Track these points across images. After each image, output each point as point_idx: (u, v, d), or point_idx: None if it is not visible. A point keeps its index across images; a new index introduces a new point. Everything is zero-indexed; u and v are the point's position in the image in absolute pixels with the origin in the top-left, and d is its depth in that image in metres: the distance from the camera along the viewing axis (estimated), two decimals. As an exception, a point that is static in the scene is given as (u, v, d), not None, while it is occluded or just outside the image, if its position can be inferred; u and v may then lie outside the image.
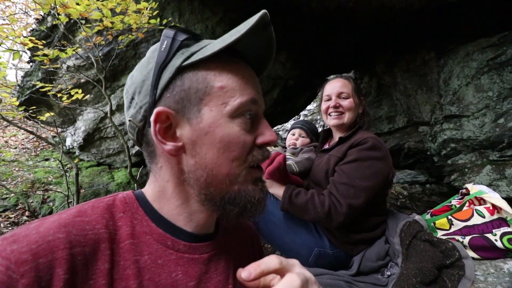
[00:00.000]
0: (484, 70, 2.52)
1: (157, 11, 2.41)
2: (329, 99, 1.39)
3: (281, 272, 0.37)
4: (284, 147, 1.69)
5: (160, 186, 0.48)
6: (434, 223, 1.29)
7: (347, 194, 1.16)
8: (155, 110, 0.42)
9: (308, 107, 5.70)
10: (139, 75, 0.46)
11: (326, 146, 1.48)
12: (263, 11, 0.41)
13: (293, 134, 1.67)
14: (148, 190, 0.50)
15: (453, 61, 2.76)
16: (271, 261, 0.37)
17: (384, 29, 3.07)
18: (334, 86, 1.39)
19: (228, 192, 0.45)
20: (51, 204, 2.76)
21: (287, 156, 1.47)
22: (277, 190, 1.29)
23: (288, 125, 5.67)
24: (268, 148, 0.50)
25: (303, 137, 1.64)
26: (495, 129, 2.43)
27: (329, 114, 1.40)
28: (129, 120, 0.47)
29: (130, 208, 0.46)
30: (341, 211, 1.14)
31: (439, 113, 2.91)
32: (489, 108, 2.48)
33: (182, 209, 0.48)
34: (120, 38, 2.41)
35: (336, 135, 1.45)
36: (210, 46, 0.43)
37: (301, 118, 5.61)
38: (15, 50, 1.77)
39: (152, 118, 0.42)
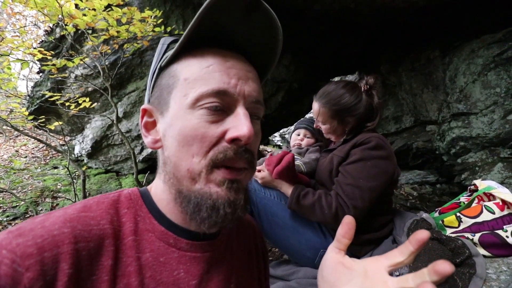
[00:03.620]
0: (491, 66, 2.48)
1: (162, 19, 2.46)
2: None
3: None
4: (288, 147, 1.68)
5: (157, 183, 0.50)
6: (443, 221, 1.26)
7: (352, 195, 1.14)
8: (141, 107, 0.48)
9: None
10: (149, 82, 0.51)
11: (331, 146, 1.48)
12: None
13: (298, 135, 1.65)
14: (153, 187, 0.51)
15: (459, 59, 2.72)
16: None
17: (387, 29, 3.06)
18: (312, 109, 1.40)
19: (190, 190, 0.42)
20: (60, 211, 2.79)
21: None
22: (286, 189, 1.29)
23: (293, 127, 5.64)
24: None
25: (308, 137, 1.62)
26: (505, 126, 2.38)
27: None
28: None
29: (134, 205, 0.46)
30: (349, 213, 1.13)
31: (447, 111, 2.86)
32: (497, 104, 2.43)
33: (172, 206, 0.47)
34: (125, 46, 2.46)
35: None
36: (180, 40, 0.42)
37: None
38: (23, 60, 1.82)
39: (140, 115, 0.48)
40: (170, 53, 0.45)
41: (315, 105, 1.36)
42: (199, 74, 0.41)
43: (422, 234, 0.34)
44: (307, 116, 1.80)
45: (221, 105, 0.41)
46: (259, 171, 1.36)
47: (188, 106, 0.41)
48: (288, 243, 1.29)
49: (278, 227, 1.28)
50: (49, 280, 0.33)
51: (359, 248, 1.24)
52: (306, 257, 1.26)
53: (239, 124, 0.41)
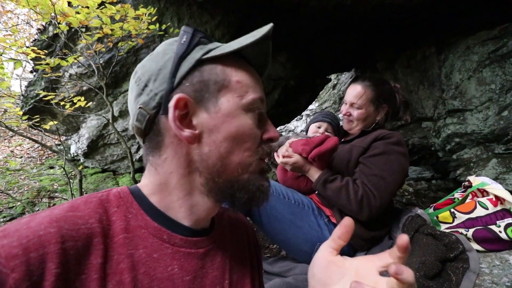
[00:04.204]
0: (486, 63, 2.49)
1: (156, 16, 2.44)
2: (346, 104, 1.42)
3: None
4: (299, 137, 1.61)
5: (161, 178, 0.48)
6: (437, 217, 1.27)
7: (378, 186, 1.15)
8: (176, 96, 0.44)
9: (310, 107, 5.69)
10: (153, 64, 0.47)
11: (347, 138, 1.49)
12: (271, 24, 0.46)
13: (319, 127, 1.55)
14: (146, 184, 0.50)
15: (454, 55, 2.73)
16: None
17: (383, 26, 3.06)
18: (349, 93, 1.40)
19: (238, 180, 0.47)
20: (57, 211, 2.78)
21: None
22: (313, 172, 1.28)
23: (291, 125, 5.64)
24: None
25: (328, 132, 1.53)
26: (499, 122, 2.40)
27: (344, 117, 1.44)
28: (140, 107, 0.46)
29: (124, 203, 0.46)
30: (375, 204, 1.14)
31: (442, 108, 2.88)
32: (492, 101, 2.44)
33: (184, 201, 0.48)
34: (120, 44, 2.44)
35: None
36: (227, 46, 0.47)
37: (303, 118, 5.55)
38: (16, 60, 1.80)
39: (171, 104, 0.43)
40: (210, 48, 0.47)
41: (358, 87, 1.37)
42: (249, 81, 0.48)
43: (403, 239, 0.35)
44: (325, 110, 1.73)
45: (262, 110, 0.50)
46: (285, 156, 1.32)
47: (243, 107, 0.47)
48: (286, 237, 1.29)
49: (276, 220, 1.28)
50: (36, 281, 0.33)
51: (362, 243, 1.25)
52: (303, 251, 1.27)
53: (270, 128, 0.52)
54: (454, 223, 1.22)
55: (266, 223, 1.29)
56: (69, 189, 2.53)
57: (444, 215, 1.25)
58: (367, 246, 1.25)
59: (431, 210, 1.38)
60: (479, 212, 1.17)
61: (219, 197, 0.48)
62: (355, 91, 1.37)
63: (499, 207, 1.14)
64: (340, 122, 1.62)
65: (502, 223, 1.11)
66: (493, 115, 2.43)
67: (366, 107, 1.35)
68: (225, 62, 0.47)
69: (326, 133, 1.53)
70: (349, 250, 1.27)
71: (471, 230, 1.16)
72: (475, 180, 1.30)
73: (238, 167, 0.47)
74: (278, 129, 5.61)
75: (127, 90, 3.11)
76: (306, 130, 1.63)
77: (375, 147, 1.24)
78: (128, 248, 0.42)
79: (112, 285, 0.39)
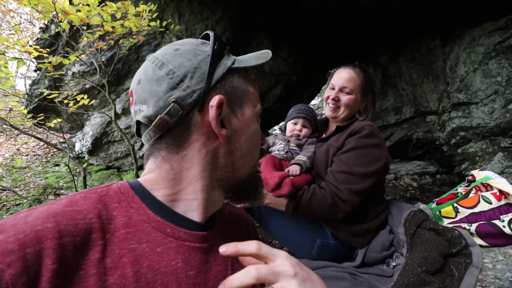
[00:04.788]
0: (492, 54, 2.44)
1: (157, 13, 2.43)
2: (333, 89, 1.36)
3: (261, 259, 0.39)
4: (284, 137, 1.59)
5: (176, 173, 0.48)
6: (440, 212, 1.26)
7: (346, 180, 1.15)
8: (217, 97, 0.47)
9: (313, 102, 5.64)
10: (186, 61, 0.47)
11: (324, 135, 1.46)
12: (270, 52, 0.56)
13: (295, 124, 1.52)
14: (152, 178, 0.49)
15: (459, 47, 2.68)
16: (250, 244, 0.39)
17: (386, 18, 3.01)
18: (340, 77, 1.34)
19: (250, 176, 0.55)
20: (63, 208, 2.82)
21: (291, 147, 1.42)
22: (276, 201, 1.24)
23: (289, 115, 5.60)
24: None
25: (306, 127, 1.51)
26: (506, 115, 2.36)
27: (328, 103, 1.38)
28: (174, 101, 0.45)
29: (125, 198, 0.46)
30: (344, 197, 1.13)
31: (447, 101, 2.84)
32: (498, 93, 2.40)
33: (200, 193, 0.49)
34: (121, 41, 2.44)
35: (333, 124, 1.43)
36: (246, 60, 0.53)
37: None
38: (18, 59, 1.81)
39: (214, 103, 0.46)
40: (234, 60, 0.53)
41: (351, 72, 1.34)
42: (256, 93, 0.56)
43: (221, 251, 0.39)
44: (299, 105, 1.65)
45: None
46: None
47: (255, 114, 0.55)
48: (287, 234, 1.30)
49: (276, 217, 1.29)
50: (33, 276, 0.33)
51: (360, 240, 1.24)
52: (304, 247, 1.27)
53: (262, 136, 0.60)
54: (457, 218, 1.20)
55: (266, 220, 1.30)
56: (74, 186, 2.56)
57: (447, 209, 1.24)
58: (365, 241, 1.24)
59: (433, 205, 1.36)
60: (483, 206, 1.15)
61: (232, 191, 0.54)
62: (348, 75, 1.33)
63: (503, 202, 1.13)
64: (318, 115, 1.57)
65: (506, 217, 1.09)
66: (499, 108, 2.39)
67: (355, 93, 1.32)
68: (242, 73, 0.54)
69: (305, 129, 1.51)
70: (349, 250, 1.26)
71: (474, 225, 1.14)
72: (479, 174, 1.28)
73: (250, 164, 0.55)
74: (280, 125, 5.60)
75: (129, 88, 3.12)
76: (284, 128, 1.61)
77: (348, 143, 1.24)
78: (130, 242, 0.42)
79: (113, 279, 0.39)
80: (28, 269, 0.32)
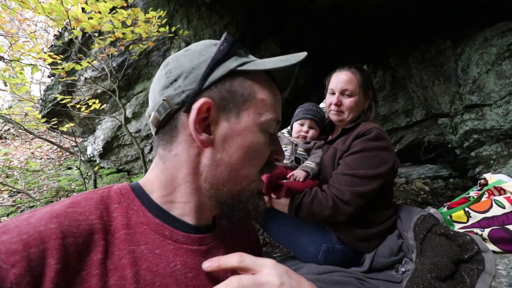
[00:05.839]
0: (505, 55, 2.38)
1: (166, 19, 2.48)
2: (333, 93, 1.35)
3: (245, 270, 0.41)
4: (291, 139, 1.54)
5: (169, 174, 0.49)
6: (451, 216, 1.22)
7: (350, 183, 1.13)
8: (202, 100, 0.44)
9: (321, 105, 5.59)
10: (187, 62, 0.47)
11: (330, 138, 1.44)
12: (305, 53, 0.49)
13: (302, 125, 1.47)
14: (151, 180, 0.50)
15: (471, 48, 2.62)
16: (231, 258, 0.41)
17: (395, 20, 2.98)
18: (339, 80, 1.32)
19: (239, 194, 0.49)
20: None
21: (299, 152, 1.40)
22: (277, 203, 1.25)
23: (295, 116, 5.56)
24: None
25: (313, 128, 1.46)
26: (521, 117, 2.28)
27: (330, 110, 1.36)
28: (164, 100, 0.47)
29: (125, 199, 0.46)
30: (345, 199, 1.11)
31: (459, 103, 2.77)
32: (512, 95, 2.33)
33: (191, 197, 0.49)
34: (131, 47, 2.50)
35: (338, 127, 1.42)
36: (261, 62, 0.49)
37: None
38: (32, 65, 1.88)
39: (196, 106, 0.44)
40: (245, 61, 0.49)
41: (348, 73, 1.32)
42: (271, 101, 0.50)
43: (205, 267, 0.42)
44: (306, 104, 1.59)
45: (275, 130, 0.52)
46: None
47: (260, 124, 0.48)
48: (292, 240, 1.28)
49: (281, 223, 1.28)
50: (37, 276, 0.33)
51: (367, 245, 1.22)
52: (309, 253, 1.25)
53: (280, 150, 0.55)
54: (469, 223, 1.17)
55: (271, 226, 1.29)
56: (85, 189, 2.62)
57: (458, 214, 1.20)
58: (371, 246, 1.22)
59: (444, 209, 1.32)
60: (496, 211, 1.11)
61: (219, 206, 0.50)
62: (346, 77, 1.30)
63: (517, 206, 1.09)
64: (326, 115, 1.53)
65: (521, 222, 1.05)
66: (514, 110, 2.32)
67: (357, 94, 1.30)
68: (254, 77, 0.49)
69: (312, 130, 1.46)
70: (356, 254, 1.24)
71: (487, 230, 1.10)
72: (492, 178, 1.24)
73: (242, 180, 0.49)
74: (288, 128, 5.58)
75: (139, 92, 3.18)
76: (291, 128, 1.56)
77: (354, 145, 1.21)
78: (129, 244, 0.42)
79: (114, 280, 0.39)
80: (32, 269, 0.33)
